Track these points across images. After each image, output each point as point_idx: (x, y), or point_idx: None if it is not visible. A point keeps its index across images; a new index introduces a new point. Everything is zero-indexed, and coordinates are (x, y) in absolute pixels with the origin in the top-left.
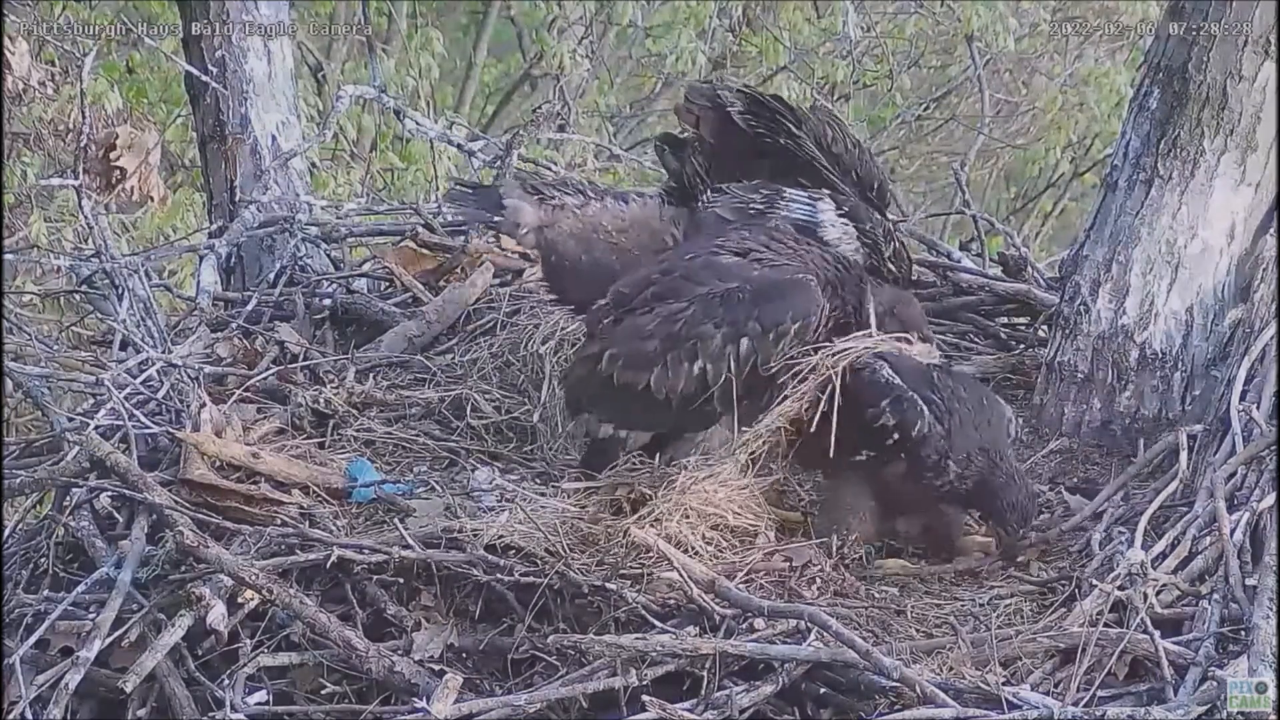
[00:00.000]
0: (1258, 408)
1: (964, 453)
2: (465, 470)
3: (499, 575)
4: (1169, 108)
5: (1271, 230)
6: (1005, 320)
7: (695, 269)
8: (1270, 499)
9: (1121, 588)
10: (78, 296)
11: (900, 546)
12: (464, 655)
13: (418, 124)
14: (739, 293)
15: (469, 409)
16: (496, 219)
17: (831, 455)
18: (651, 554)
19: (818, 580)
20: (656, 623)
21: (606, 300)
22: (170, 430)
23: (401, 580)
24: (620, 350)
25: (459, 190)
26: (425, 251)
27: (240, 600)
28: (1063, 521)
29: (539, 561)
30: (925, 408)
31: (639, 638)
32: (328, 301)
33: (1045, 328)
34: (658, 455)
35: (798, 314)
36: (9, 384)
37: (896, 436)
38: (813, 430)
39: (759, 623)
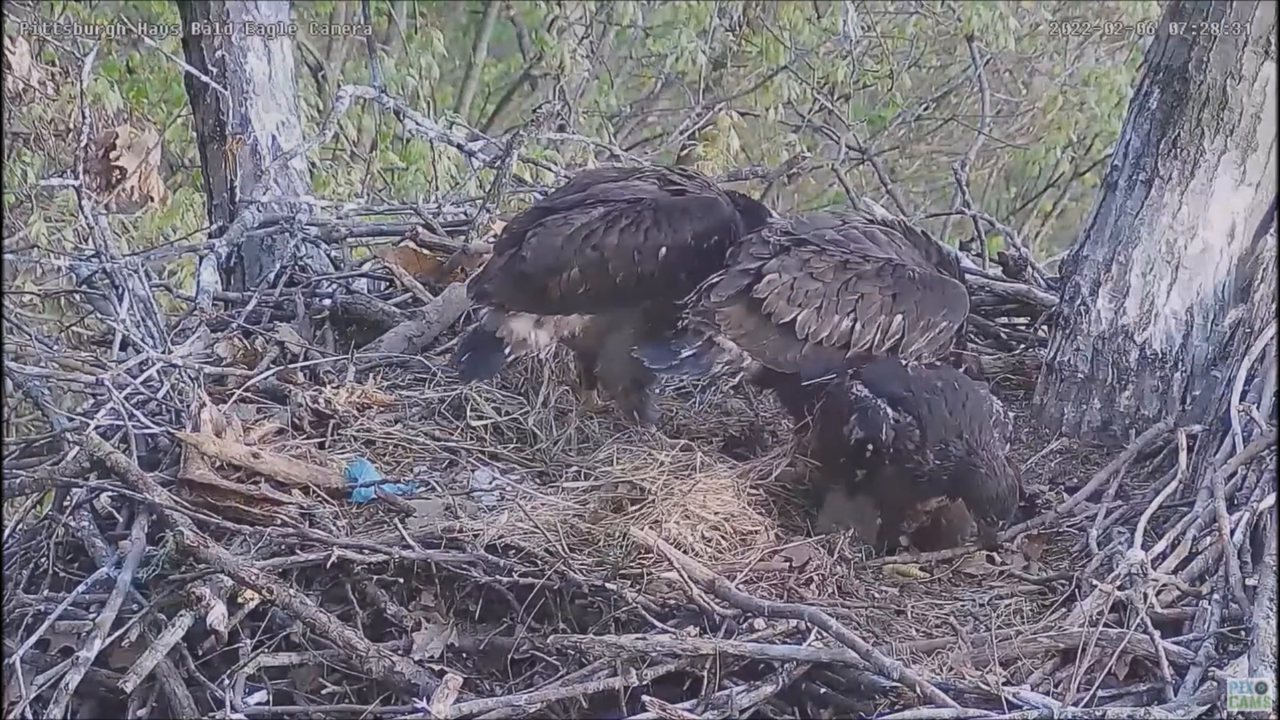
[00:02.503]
0: (1258, 408)
1: (941, 442)
2: (465, 470)
3: (499, 575)
4: (1169, 108)
5: (1271, 230)
6: (1005, 320)
7: (873, 232)
8: (1270, 499)
9: (1121, 588)
10: (78, 296)
11: (902, 545)
12: (464, 655)
13: (418, 124)
14: (911, 272)
15: (469, 409)
16: (507, 351)
17: (831, 477)
18: (651, 554)
19: (817, 579)
20: (656, 623)
21: (780, 225)
22: (170, 430)
23: (402, 580)
24: (782, 279)
25: (457, 363)
26: (425, 251)
27: (240, 600)
28: (1058, 505)
29: (539, 562)
30: (889, 409)
31: (639, 638)
32: (328, 302)
33: (1045, 328)
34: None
35: (949, 316)
36: (9, 384)
37: (871, 447)
38: (809, 455)
39: (759, 623)
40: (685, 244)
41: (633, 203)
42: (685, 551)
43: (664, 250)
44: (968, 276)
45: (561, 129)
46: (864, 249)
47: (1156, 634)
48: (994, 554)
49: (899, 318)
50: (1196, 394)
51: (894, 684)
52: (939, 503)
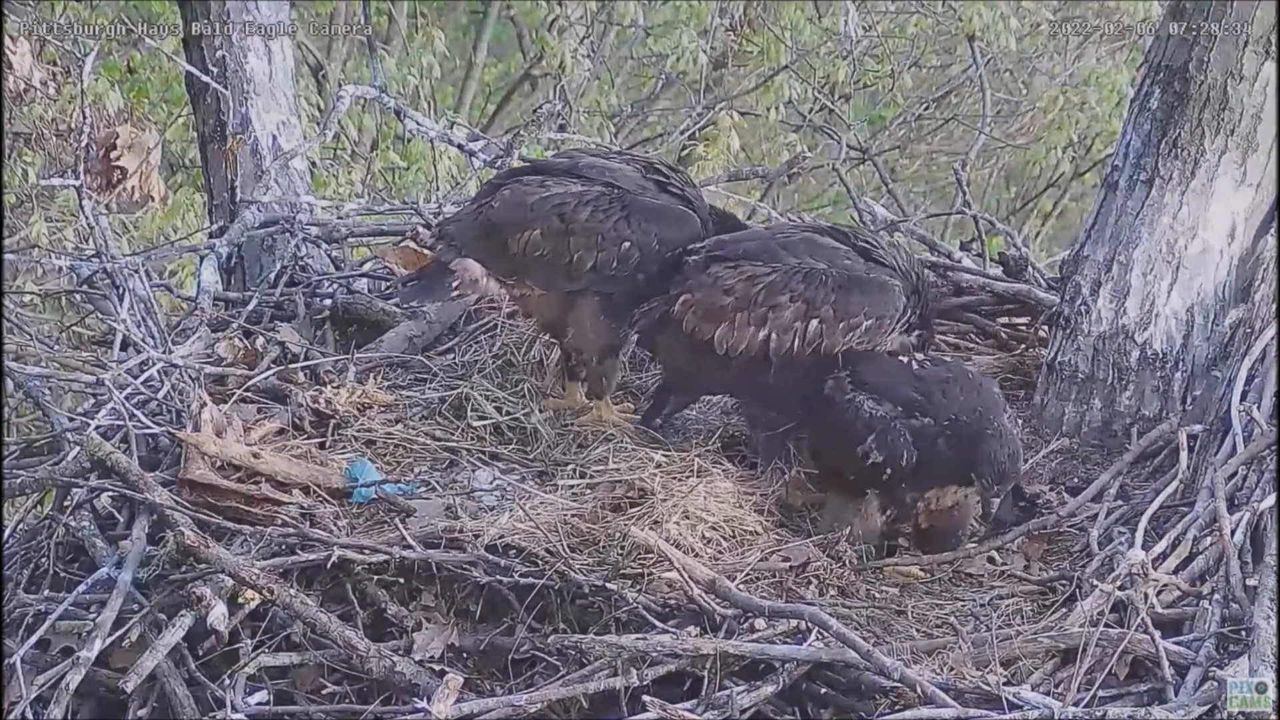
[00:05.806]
0: (1258, 408)
1: (951, 415)
2: (466, 470)
3: (500, 575)
4: (1170, 108)
5: (1271, 230)
6: (1005, 320)
7: (793, 241)
8: (1270, 499)
9: (1122, 588)
10: (78, 296)
11: (902, 546)
12: (465, 655)
13: (418, 124)
14: (824, 275)
15: (469, 409)
16: (455, 284)
17: (833, 490)
18: (652, 554)
19: (816, 579)
20: (657, 623)
21: (703, 246)
22: (171, 430)
23: (402, 580)
24: (696, 298)
25: (402, 290)
26: (426, 251)
27: (241, 600)
28: (1060, 507)
29: (539, 562)
30: (906, 434)
31: (639, 638)
32: (328, 302)
33: (1045, 328)
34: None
35: (873, 312)
36: (9, 384)
37: (890, 471)
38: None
39: (759, 623)
40: (650, 247)
41: (610, 188)
42: (685, 552)
43: (626, 245)
44: (964, 276)
45: (562, 129)
46: (777, 258)
47: (1157, 634)
48: (994, 554)
49: (814, 322)
50: (1197, 394)
51: (894, 684)
52: (955, 495)
